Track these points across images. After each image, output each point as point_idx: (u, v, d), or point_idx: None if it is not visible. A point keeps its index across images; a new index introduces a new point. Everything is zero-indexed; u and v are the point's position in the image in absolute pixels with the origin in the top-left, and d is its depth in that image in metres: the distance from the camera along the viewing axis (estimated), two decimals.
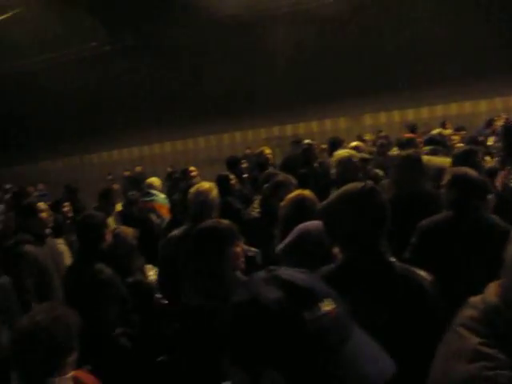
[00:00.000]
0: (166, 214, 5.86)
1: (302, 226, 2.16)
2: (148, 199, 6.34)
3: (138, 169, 10.77)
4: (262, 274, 0.90)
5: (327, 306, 0.81)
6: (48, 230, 4.08)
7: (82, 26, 13.39)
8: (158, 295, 3.60)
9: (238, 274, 2.55)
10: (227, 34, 13.41)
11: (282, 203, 2.72)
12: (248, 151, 10.57)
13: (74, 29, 13.22)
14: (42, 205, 4.06)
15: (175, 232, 3.43)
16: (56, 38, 12.82)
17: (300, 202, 2.64)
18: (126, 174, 10.61)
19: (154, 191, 6.63)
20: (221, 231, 2.39)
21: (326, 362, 0.78)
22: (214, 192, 3.46)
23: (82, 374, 1.99)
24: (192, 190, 3.49)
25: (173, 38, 13.47)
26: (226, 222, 2.49)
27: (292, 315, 0.79)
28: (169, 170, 10.69)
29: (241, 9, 12.99)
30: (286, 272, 0.87)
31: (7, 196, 9.93)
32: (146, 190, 6.60)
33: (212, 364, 2.41)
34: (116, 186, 6.70)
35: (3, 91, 13.99)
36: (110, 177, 11.11)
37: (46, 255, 3.88)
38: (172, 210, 5.57)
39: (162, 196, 6.60)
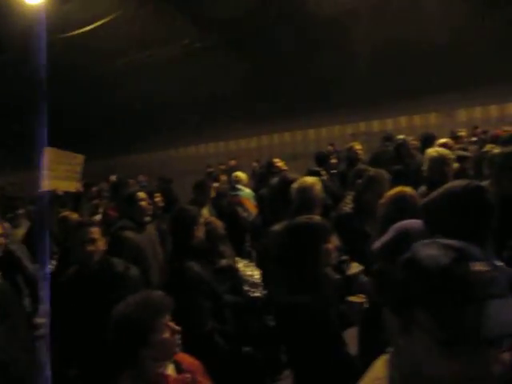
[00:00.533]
0: (251, 208, 5.94)
1: (399, 224, 2.06)
2: (233, 193, 6.46)
3: (232, 162, 10.80)
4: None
5: (478, 266, 0.95)
6: (147, 218, 4.26)
7: (174, 25, 13.83)
8: (246, 288, 3.66)
9: (330, 270, 2.52)
10: (313, 30, 13.29)
11: (382, 201, 2.62)
12: (330, 148, 10.28)
13: (166, 28, 13.71)
14: (141, 194, 4.28)
15: (275, 227, 3.39)
16: (152, 37, 13.34)
17: (401, 199, 2.54)
18: (222, 167, 10.66)
19: (239, 186, 6.75)
20: (314, 227, 2.37)
21: (470, 309, 0.91)
22: (318, 187, 3.40)
23: (181, 356, 2.05)
24: (295, 184, 3.44)
25: (264, 37, 13.57)
26: (318, 218, 2.47)
27: (445, 267, 0.95)
28: (254, 164, 10.75)
29: (328, 4, 12.82)
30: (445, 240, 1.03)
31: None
32: (232, 185, 6.73)
33: (304, 357, 2.44)
34: (223, 177, 6.67)
35: (107, 89, 14.79)
36: (210, 169, 11.28)
37: (145, 241, 4.09)
38: (259, 204, 5.61)
39: (247, 190, 6.69)
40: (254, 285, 3.73)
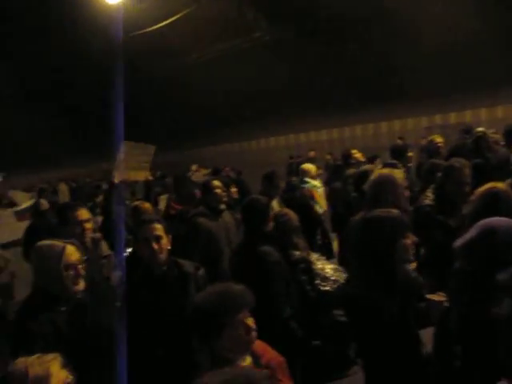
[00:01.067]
0: (320, 201, 5.88)
1: (485, 221, 1.92)
2: (301, 186, 6.41)
3: (312, 153, 10.72)
4: None
5: None
6: (223, 205, 4.39)
7: (246, 19, 13.93)
8: (317, 281, 3.62)
9: (408, 266, 2.43)
10: (390, 21, 12.91)
11: (472, 197, 2.47)
12: (399, 141, 9.88)
13: (237, 22, 13.84)
14: (216, 182, 4.44)
15: (353, 220, 3.27)
16: (224, 30, 13.53)
17: (493, 196, 2.37)
18: (299, 159, 10.61)
19: (307, 178, 6.69)
20: (392, 221, 2.28)
21: None
22: (398, 179, 3.26)
23: (263, 349, 2.05)
24: (373, 176, 3.36)
25: (335, 27, 13.38)
26: (396, 212, 2.38)
27: None
28: (328, 157, 10.62)
29: None
30: None
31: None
32: (300, 177, 6.68)
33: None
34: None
35: (184, 83, 15.20)
36: (291, 160, 11.21)
37: (219, 228, 4.21)
38: (330, 197, 5.53)
39: (314, 183, 6.63)
40: (324, 279, 3.68)
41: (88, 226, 3.35)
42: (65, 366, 1.60)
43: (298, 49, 13.67)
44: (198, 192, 5.21)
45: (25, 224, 14.29)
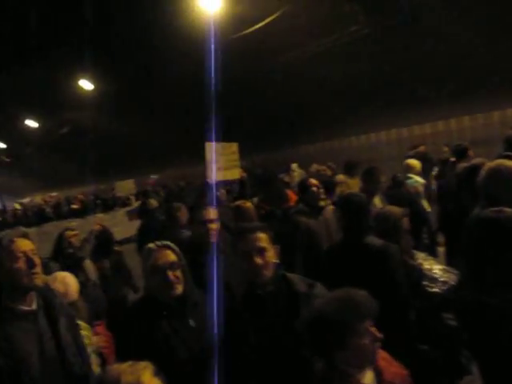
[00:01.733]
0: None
1: None
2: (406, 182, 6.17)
3: (422, 148, 10.23)
4: None
5: None
6: (322, 203, 4.37)
7: (342, 12, 13.65)
8: (425, 282, 3.43)
9: None
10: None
11: None
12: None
13: (335, 16, 13.60)
14: (313, 180, 4.43)
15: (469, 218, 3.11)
16: (321, 26, 13.36)
17: None
18: (410, 153, 10.14)
19: (411, 174, 6.42)
20: (509, 221, 2.07)
21: None
22: None
23: (385, 363, 1.94)
24: (485, 170, 3.11)
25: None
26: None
27: None
28: (445, 149, 10.05)
29: None
30: None
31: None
32: (404, 173, 6.43)
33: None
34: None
35: (285, 82, 15.31)
36: (410, 152, 10.76)
37: (319, 226, 4.18)
38: (439, 194, 5.24)
39: (416, 179, 6.34)
40: (432, 279, 3.47)
41: (213, 226, 3.27)
42: (156, 374, 1.59)
43: (394, 40, 13.13)
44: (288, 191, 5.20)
45: (136, 222, 15.23)
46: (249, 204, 4.80)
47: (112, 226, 11.65)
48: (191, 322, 2.44)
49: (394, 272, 3.05)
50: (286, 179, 10.23)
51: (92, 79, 17.04)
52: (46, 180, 37.32)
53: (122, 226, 14.96)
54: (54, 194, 29.99)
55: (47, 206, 21.57)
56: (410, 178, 6.34)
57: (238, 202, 4.93)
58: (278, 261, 2.38)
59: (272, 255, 2.35)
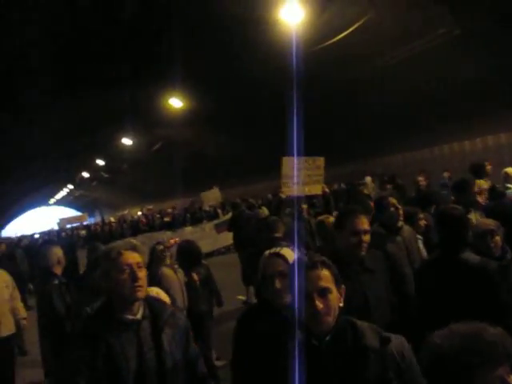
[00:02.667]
0: None
1: None
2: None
3: None
4: None
5: None
6: (400, 223, 4.11)
7: (428, 15, 13.13)
8: None
9: None
10: None
11: None
12: None
13: (423, 19, 13.12)
14: (392, 199, 4.17)
15: None
16: (409, 30, 12.94)
17: None
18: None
19: (509, 184, 5.99)
20: None
21: None
22: None
23: None
24: None
25: None
26: None
27: None
28: None
29: None
30: None
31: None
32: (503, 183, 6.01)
33: None
34: None
35: (367, 90, 15.02)
36: None
37: (398, 248, 3.93)
38: None
39: None
40: None
41: (366, 238, 2.99)
42: None
43: (492, 40, 12.36)
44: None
45: (223, 235, 15.47)
46: (331, 219, 4.68)
47: (199, 238, 12.03)
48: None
49: (497, 292, 2.84)
50: (365, 191, 9.86)
51: (181, 97, 17.74)
52: (141, 194, 39.35)
53: (209, 238, 15.38)
54: (150, 207, 31.47)
55: (142, 218, 22.67)
56: (509, 187, 5.92)
57: (321, 217, 4.83)
58: (342, 305, 1.98)
59: (336, 299, 1.94)
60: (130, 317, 2.32)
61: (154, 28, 11.94)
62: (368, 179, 14.88)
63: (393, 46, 13.50)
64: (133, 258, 2.35)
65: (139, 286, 2.32)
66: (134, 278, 2.31)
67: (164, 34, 11.87)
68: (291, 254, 2.54)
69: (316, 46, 12.88)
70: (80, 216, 34.64)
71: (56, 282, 5.12)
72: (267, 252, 2.57)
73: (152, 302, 2.47)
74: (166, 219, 20.95)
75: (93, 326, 2.32)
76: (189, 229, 15.90)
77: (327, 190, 7.12)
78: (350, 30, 13.02)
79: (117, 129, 21.98)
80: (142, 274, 2.35)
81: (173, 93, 17.38)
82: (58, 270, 5.27)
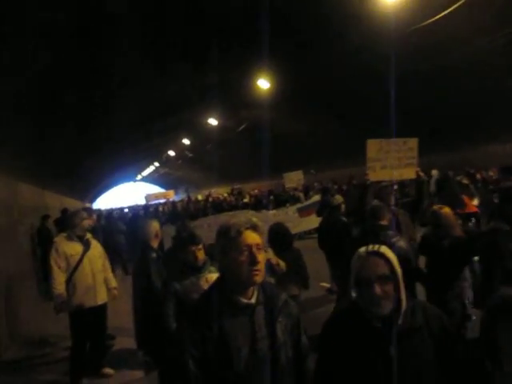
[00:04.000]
0: None
1: None
2: None
3: None
4: None
5: None
6: None
7: None
8: None
9: None
10: None
11: None
12: None
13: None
14: None
15: None
16: (506, 13, 11.90)
17: None
18: None
19: None
20: None
21: None
22: None
23: None
24: None
25: None
26: None
27: None
28: None
29: None
30: None
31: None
32: None
33: None
34: None
35: (464, 74, 14.18)
36: None
37: None
38: None
39: None
40: None
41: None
42: None
43: None
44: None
45: (305, 219, 15.30)
46: (447, 209, 4.31)
47: (283, 221, 11.90)
48: (392, 351, 2.13)
49: None
50: (465, 181, 9.07)
51: (269, 78, 17.59)
52: (224, 174, 40.01)
53: (291, 222, 15.23)
54: (237, 186, 31.60)
55: (227, 197, 22.97)
56: None
57: (436, 207, 4.46)
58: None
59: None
60: (245, 300, 2.16)
61: (242, 9, 11.80)
62: (434, 172, 14.11)
63: (490, 30, 12.51)
64: (253, 238, 2.17)
65: (257, 270, 2.14)
66: (253, 260, 2.13)
67: (252, 14, 11.70)
68: (391, 253, 2.24)
69: (415, 26, 12.19)
70: (167, 192, 35.81)
71: (154, 255, 5.19)
72: (364, 249, 2.25)
73: (267, 287, 2.28)
74: (248, 200, 21.11)
75: (206, 305, 2.16)
76: (272, 211, 15.85)
77: (421, 173, 6.44)
78: (449, 10, 12.19)
79: (204, 109, 22.30)
80: (261, 256, 2.17)
81: (261, 74, 17.28)
82: (155, 244, 5.36)
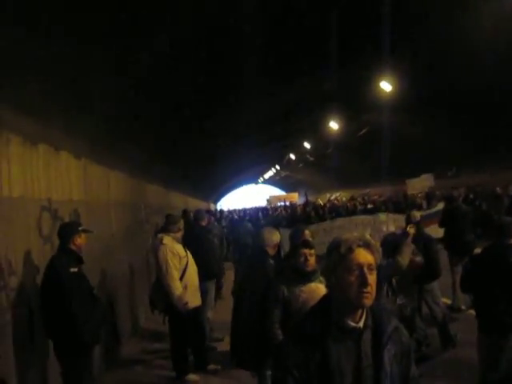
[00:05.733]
0: None
1: None
2: None
3: None
4: None
5: None
6: None
7: None
8: None
9: None
10: None
11: None
12: None
13: None
14: None
15: None
16: None
17: None
18: None
19: None
20: None
21: None
22: None
23: None
24: None
25: None
26: None
27: None
28: None
29: None
30: None
31: None
32: None
33: None
34: None
35: None
36: None
37: None
38: None
39: None
40: None
41: None
42: None
43: None
44: None
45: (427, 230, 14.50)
46: None
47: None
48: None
49: None
50: None
51: (391, 81, 16.98)
52: (344, 178, 39.49)
53: None
54: (367, 190, 30.52)
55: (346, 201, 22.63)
56: None
57: None
58: None
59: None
60: (352, 323, 2.00)
61: (364, 9, 11.47)
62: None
63: None
64: (365, 257, 1.99)
65: (367, 293, 1.96)
66: (364, 282, 1.96)
67: (374, 15, 11.32)
68: None
69: None
70: (290, 195, 36.09)
71: (271, 261, 4.98)
72: None
73: (376, 311, 2.09)
74: (369, 206, 20.58)
75: (310, 326, 2.01)
76: (391, 216, 15.18)
77: None
78: None
79: (325, 113, 22.16)
80: (373, 278, 1.98)
81: (383, 76, 16.74)
82: (272, 252, 5.13)
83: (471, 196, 18.57)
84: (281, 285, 4.22)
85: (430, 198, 18.07)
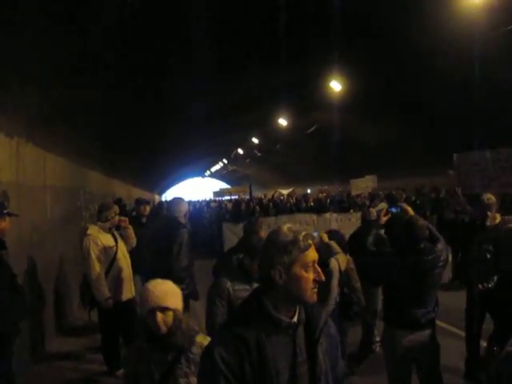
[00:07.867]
0: None
1: None
2: None
3: None
4: None
5: None
6: None
7: None
8: None
9: None
10: None
11: None
12: None
13: None
14: None
15: None
16: None
17: None
18: None
19: None
20: None
21: None
22: None
23: None
24: None
25: None
26: None
27: None
28: None
29: None
30: None
31: None
32: None
33: None
34: None
35: None
36: None
37: None
38: None
39: None
40: None
41: None
42: None
43: None
44: None
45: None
46: None
47: (343, 227, 11.42)
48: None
49: None
50: None
51: (341, 80, 17.14)
52: (291, 175, 39.83)
53: (352, 229, 14.64)
54: (325, 187, 30.57)
55: (290, 198, 22.69)
56: None
57: None
58: None
59: None
60: (287, 319, 1.91)
61: (314, 10, 11.49)
62: None
63: None
64: (315, 253, 1.94)
65: (316, 289, 1.92)
66: (319, 278, 1.91)
67: (324, 15, 11.37)
68: None
69: (502, 29, 11.36)
70: (240, 188, 35.83)
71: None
72: None
73: (308, 305, 2.00)
74: (311, 204, 20.71)
75: (243, 326, 1.87)
76: (334, 216, 15.37)
77: None
78: None
79: (274, 108, 22.15)
80: (322, 277, 1.95)
81: (332, 76, 16.89)
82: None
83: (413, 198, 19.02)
84: (226, 280, 3.90)
85: (373, 198, 18.43)
